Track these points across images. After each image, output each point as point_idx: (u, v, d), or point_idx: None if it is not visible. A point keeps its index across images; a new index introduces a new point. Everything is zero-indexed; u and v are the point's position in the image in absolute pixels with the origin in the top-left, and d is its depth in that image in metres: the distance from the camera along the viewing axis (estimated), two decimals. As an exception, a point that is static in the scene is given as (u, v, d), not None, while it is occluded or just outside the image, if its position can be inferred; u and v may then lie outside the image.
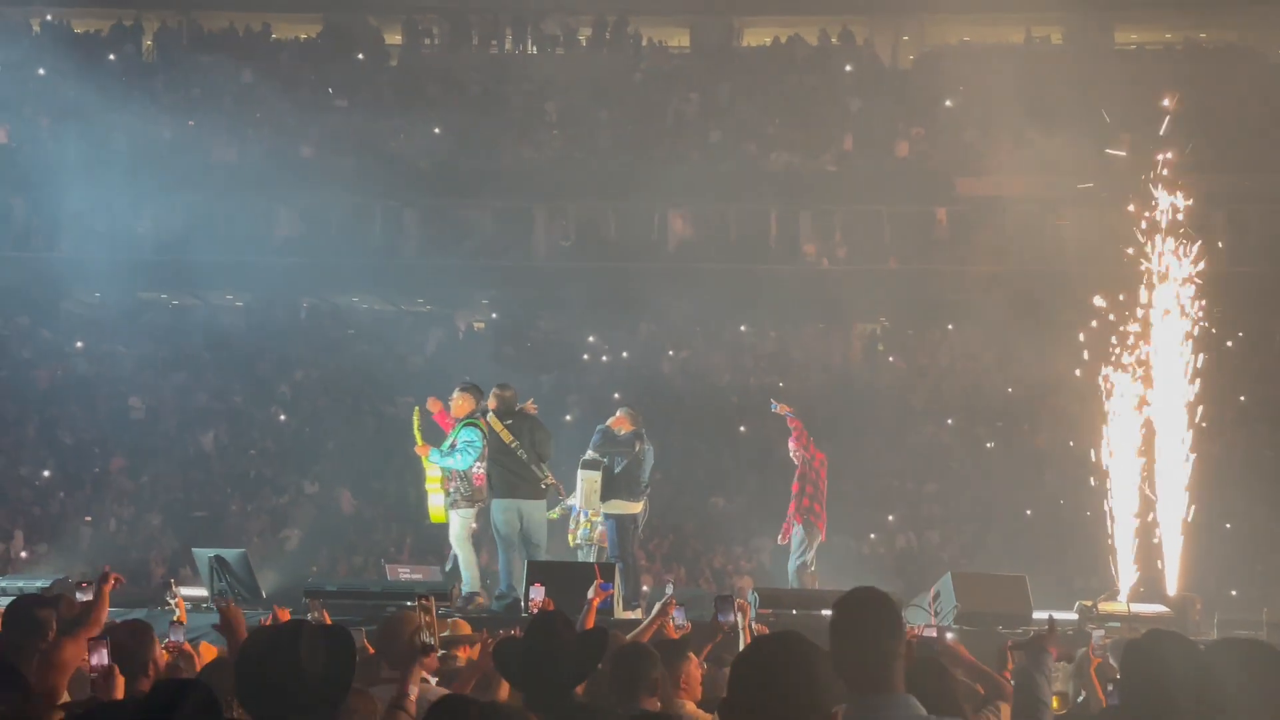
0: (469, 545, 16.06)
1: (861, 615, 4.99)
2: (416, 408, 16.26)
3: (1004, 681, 6.83)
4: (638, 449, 16.66)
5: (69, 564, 22.55)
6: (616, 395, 26.87)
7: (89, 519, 26.81)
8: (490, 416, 15.89)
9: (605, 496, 16.42)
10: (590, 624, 9.44)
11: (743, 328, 33.12)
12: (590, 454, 16.73)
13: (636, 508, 16.68)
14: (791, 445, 17.96)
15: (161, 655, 7.88)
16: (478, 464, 15.75)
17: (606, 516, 16.65)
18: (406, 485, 28.00)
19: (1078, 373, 20.62)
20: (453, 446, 15.73)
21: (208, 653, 9.10)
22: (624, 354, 32.04)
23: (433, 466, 15.80)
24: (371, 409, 30.29)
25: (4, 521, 26.61)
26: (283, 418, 30.41)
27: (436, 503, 15.93)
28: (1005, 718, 6.55)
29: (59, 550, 25.23)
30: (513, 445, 15.76)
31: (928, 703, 4.98)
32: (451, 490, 15.80)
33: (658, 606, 10.24)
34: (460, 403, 15.98)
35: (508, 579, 15.80)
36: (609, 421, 17.01)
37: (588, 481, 16.48)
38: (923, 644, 7.55)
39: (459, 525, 15.92)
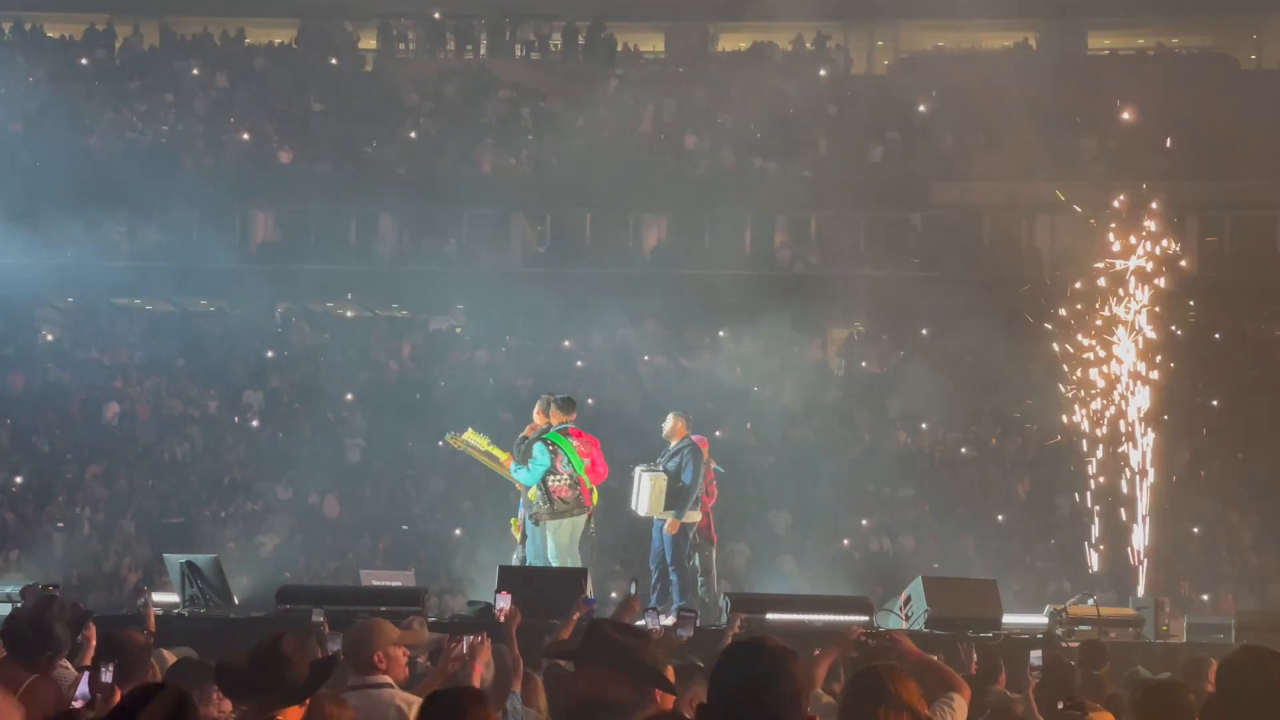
0: (577, 557, 15.67)
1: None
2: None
3: (953, 673, 6.79)
4: (706, 458, 16.60)
5: (41, 570, 22.48)
6: (590, 400, 26.86)
7: (61, 525, 26.74)
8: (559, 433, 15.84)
9: (670, 505, 16.33)
10: (567, 635, 9.23)
11: (720, 333, 33.12)
12: (654, 465, 16.61)
13: (696, 516, 16.60)
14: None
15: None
16: (553, 477, 15.57)
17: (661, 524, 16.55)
18: (382, 491, 28.10)
19: (1051, 378, 20.72)
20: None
21: (170, 659, 9.10)
22: (599, 360, 32.00)
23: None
24: (344, 415, 30.28)
25: (-25, 528, 26.58)
26: (256, 424, 30.37)
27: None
28: (960, 709, 6.51)
29: (31, 556, 25.16)
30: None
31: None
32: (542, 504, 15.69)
33: (620, 604, 10.25)
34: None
35: None
36: (664, 430, 16.83)
37: (656, 486, 16.34)
38: (864, 647, 7.55)
39: (566, 536, 15.64)
